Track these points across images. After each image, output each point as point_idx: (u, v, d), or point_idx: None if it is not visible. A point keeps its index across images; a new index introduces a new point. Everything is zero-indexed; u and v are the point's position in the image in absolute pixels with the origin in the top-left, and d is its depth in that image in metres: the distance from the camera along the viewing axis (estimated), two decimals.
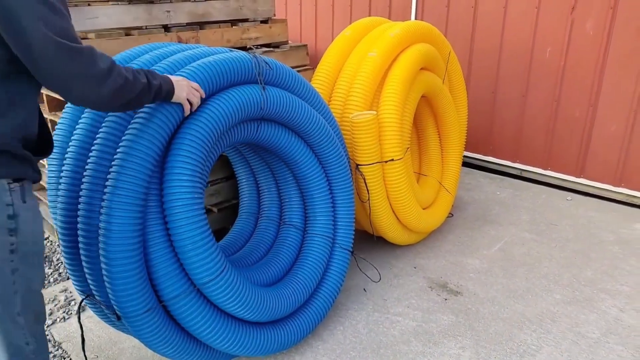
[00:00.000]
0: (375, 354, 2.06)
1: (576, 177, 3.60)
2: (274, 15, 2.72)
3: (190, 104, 1.60)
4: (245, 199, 2.40)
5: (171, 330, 1.66)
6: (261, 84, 1.80)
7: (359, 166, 2.34)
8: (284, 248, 2.18)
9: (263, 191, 2.33)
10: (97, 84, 1.21)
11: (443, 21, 3.97)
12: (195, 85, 1.62)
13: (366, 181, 2.34)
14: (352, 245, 2.27)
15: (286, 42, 2.83)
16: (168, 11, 2.27)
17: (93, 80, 1.20)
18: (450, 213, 3.14)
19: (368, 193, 2.36)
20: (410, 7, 4.14)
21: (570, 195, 3.55)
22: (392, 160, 2.37)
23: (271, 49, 2.73)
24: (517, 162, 3.88)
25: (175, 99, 1.54)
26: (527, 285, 2.50)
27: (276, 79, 1.89)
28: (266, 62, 1.84)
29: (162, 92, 1.45)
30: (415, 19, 4.14)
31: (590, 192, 3.55)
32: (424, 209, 2.80)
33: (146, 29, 2.24)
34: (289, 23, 3.40)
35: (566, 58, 3.42)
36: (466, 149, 4.14)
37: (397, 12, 4.29)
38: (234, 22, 2.57)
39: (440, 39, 2.80)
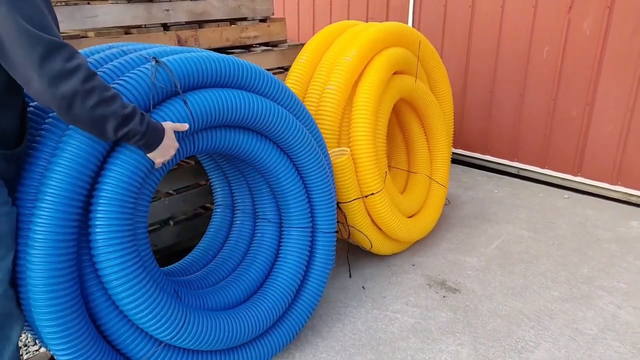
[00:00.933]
0: (374, 350, 2.06)
1: (573, 175, 3.62)
2: (273, 14, 2.72)
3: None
4: (219, 197, 2.32)
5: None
6: (182, 96, 1.59)
7: (339, 204, 2.31)
8: (261, 248, 2.10)
9: (235, 188, 2.24)
10: (53, 80, 1.15)
11: (440, 20, 3.99)
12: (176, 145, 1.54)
13: (347, 218, 2.33)
14: (334, 228, 2.15)
15: (285, 41, 2.83)
16: (167, 10, 2.28)
17: (49, 74, 1.15)
18: (447, 200, 3.14)
19: (348, 230, 2.37)
20: (408, 7, 4.16)
21: (567, 193, 3.57)
22: (372, 194, 2.35)
23: (270, 47, 2.73)
24: (515, 161, 3.89)
25: (151, 156, 1.46)
26: (525, 282, 2.52)
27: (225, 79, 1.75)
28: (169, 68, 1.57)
29: (138, 138, 1.36)
30: (413, 18, 4.16)
31: (588, 190, 3.57)
32: (414, 214, 2.79)
33: (145, 27, 2.24)
34: (287, 22, 3.40)
35: (563, 57, 3.44)
36: (464, 148, 4.16)
37: (394, 12, 4.30)
38: (232, 21, 2.58)
39: (410, 37, 2.67)
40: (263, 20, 2.70)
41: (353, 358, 2.02)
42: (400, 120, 2.98)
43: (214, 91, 1.67)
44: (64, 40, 1.21)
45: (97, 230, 1.42)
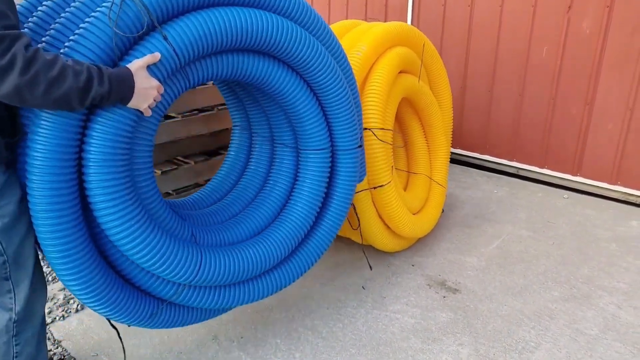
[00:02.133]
0: (375, 350, 2.06)
1: (573, 175, 3.62)
2: None
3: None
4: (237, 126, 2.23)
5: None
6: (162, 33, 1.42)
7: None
8: (280, 175, 2.01)
9: (250, 111, 2.14)
10: None
11: (439, 20, 3.98)
12: (162, 89, 1.43)
13: (356, 209, 2.32)
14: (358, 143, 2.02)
15: None
16: None
17: None
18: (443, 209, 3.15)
19: (358, 220, 2.35)
20: (407, 6, 4.15)
21: (567, 193, 3.57)
22: (381, 186, 2.36)
23: None
24: (514, 161, 3.89)
25: (132, 105, 1.37)
26: (525, 282, 2.51)
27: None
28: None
29: (106, 99, 1.29)
30: (412, 17, 4.15)
31: (587, 190, 3.57)
32: (416, 213, 2.78)
33: None
34: None
35: (562, 57, 3.44)
36: (463, 148, 4.16)
37: (394, 11, 4.30)
38: None
39: (414, 38, 2.67)
40: None
41: (354, 358, 2.02)
42: (400, 120, 2.97)
43: (199, 14, 1.48)
44: None
45: (93, 193, 1.39)
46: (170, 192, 2.40)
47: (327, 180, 1.95)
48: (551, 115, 3.60)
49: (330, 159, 1.94)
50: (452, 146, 4.20)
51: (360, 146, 1.98)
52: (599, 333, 2.14)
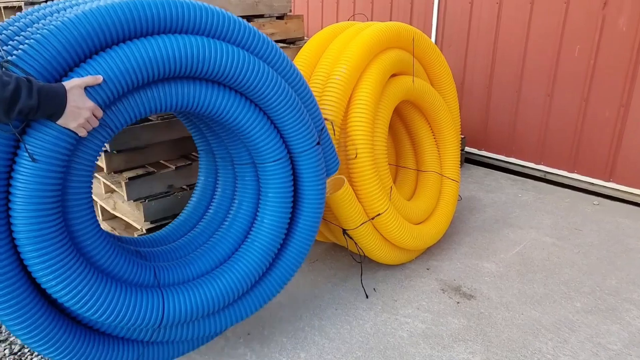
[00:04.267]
0: (382, 355, 2.00)
1: (605, 180, 3.44)
2: (290, 11, 2.70)
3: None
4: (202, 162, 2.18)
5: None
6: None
7: (346, 231, 2.24)
8: (246, 193, 1.95)
9: (208, 135, 2.08)
10: None
11: (466, 18, 3.87)
12: (100, 112, 1.38)
13: (357, 243, 2.26)
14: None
15: (302, 38, 2.80)
16: None
17: None
18: (459, 196, 3.01)
19: (362, 255, 2.29)
20: (432, 10, 4.05)
21: (597, 199, 3.40)
22: (379, 215, 2.27)
23: (287, 44, 2.71)
24: (542, 164, 3.74)
25: (61, 123, 1.30)
26: (545, 291, 2.40)
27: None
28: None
29: (34, 112, 1.23)
30: (438, 15, 4.05)
31: (620, 197, 3.39)
32: (426, 219, 2.70)
33: None
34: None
35: (596, 56, 3.28)
36: (488, 149, 4.03)
37: (419, 16, 4.21)
38: (249, 18, 2.56)
39: (404, 35, 2.47)
40: (280, 17, 2.68)
41: None
42: (404, 120, 2.85)
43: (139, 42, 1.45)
44: None
45: (18, 229, 1.34)
46: (185, 187, 2.42)
47: (292, 185, 1.88)
48: (582, 117, 3.44)
49: (291, 165, 1.87)
50: (476, 147, 4.10)
51: (318, 143, 1.89)
52: (622, 348, 2.02)
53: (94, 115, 1.35)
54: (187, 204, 2.12)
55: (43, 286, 1.41)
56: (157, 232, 2.03)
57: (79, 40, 1.33)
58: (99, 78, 1.35)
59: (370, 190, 2.21)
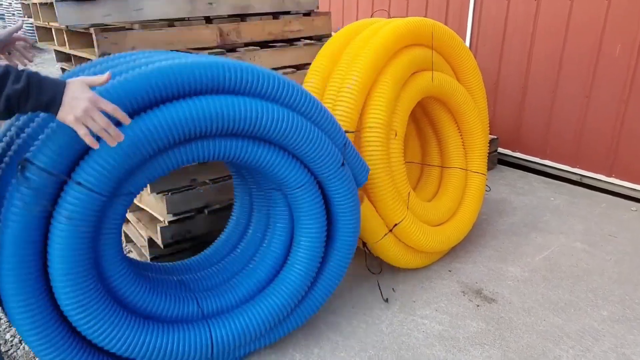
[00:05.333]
0: (395, 355, 2.00)
1: None
2: (318, 7, 2.71)
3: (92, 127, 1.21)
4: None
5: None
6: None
7: (365, 244, 2.25)
8: (278, 219, 2.01)
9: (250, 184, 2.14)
10: None
11: (502, 16, 3.77)
12: (109, 106, 1.22)
13: (377, 255, 2.27)
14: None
15: (329, 35, 2.81)
16: (210, 3, 2.33)
17: None
18: (487, 187, 2.91)
19: (381, 266, 2.30)
20: (468, 7, 3.97)
21: (635, 205, 3.25)
22: (397, 225, 2.26)
23: (313, 41, 2.72)
24: (577, 167, 3.61)
25: (60, 118, 1.19)
26: (571, 298, 2.32)
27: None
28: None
29: (24, 99, 1.14)
30: (473, 13, 3.97)
31: None
32: (451, 217, 2.66)
33: (188, 20, 2.31)
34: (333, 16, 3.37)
35: (638, 55, 3.13)
36: (521, 151, 3.92)
37: (454, 15, 4.13)
38: (275, 15, 2.59)
39: (424, 31, 2.37)
40: (307, 14, 2.70)
41: None
42: (428, 114, 2.77)
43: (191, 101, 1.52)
44: None
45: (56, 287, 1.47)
46: (207, 181, 2.48)
47: (322, 207, 1.90)
48: (622, 119, 3.29)
49: (319, 188, 1.89)
50: (509, 148, 3.99)
51: (342, 164, 1.87)
52: None
53: (101, 110, 1.21)
54: (226, 226, 2.21)
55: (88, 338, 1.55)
56: (198, 255, 2.13)
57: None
58: (101, 78, 1.25)
59: (387, 201, 2.20)
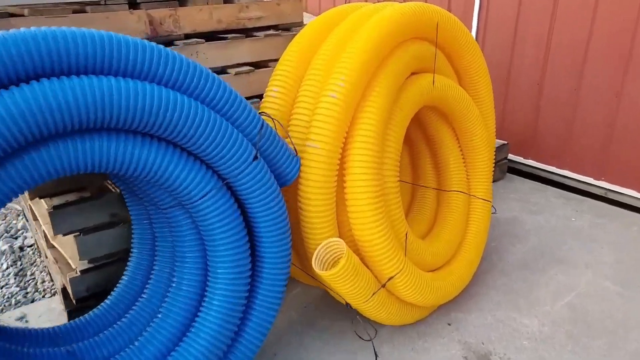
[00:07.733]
0: None
1: None
2: None
3: None
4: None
5: None
6: None
7: (349, 305, 1.75)
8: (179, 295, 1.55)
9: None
10: None
11: (515, 6, 3.19)
12: None
13: (366, 316, 1.79)
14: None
15: (300, 24, 2.25)
16: None
17: None
18: (493, 208, 2.37)
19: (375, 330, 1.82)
20: None
21: None
22: (391, 279, 1.72)
23: (279, 31, 2.16)
24: (603, 180, 3.06)
25: None
26: None
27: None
28: None
29: None
30: (480, 5, 3.39)
31: None
32: (450, 259, 2.13)
33: (105, 4, 1.76)
34: None
35: None
36: (536, 159, 3.38)
37: (457, 3, 3.55)
38: None
39: (426, 19, 1.82)
40: None
41: None
42: (422, 125, 2.22)
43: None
44: None
45: None
46: None
47: (239, 215, 1.44)
48: None
49: (229, 192, 1.43)
50: (522, 156, 3.45)
51: (255, 157, 1.39)
52: None
53: None
54: (128, 264, 1.68)
55: None
56: (96, 309, 1.61)
57: None
58: None
59: (380, 251, 1.66)
